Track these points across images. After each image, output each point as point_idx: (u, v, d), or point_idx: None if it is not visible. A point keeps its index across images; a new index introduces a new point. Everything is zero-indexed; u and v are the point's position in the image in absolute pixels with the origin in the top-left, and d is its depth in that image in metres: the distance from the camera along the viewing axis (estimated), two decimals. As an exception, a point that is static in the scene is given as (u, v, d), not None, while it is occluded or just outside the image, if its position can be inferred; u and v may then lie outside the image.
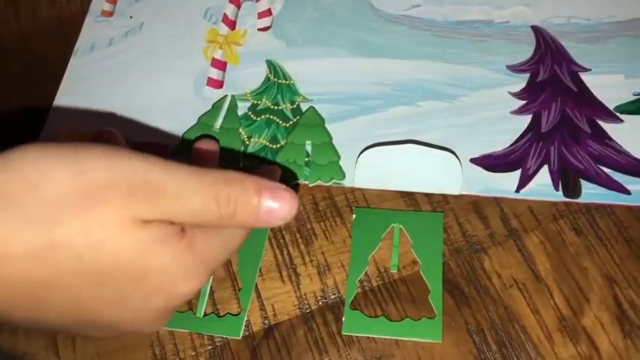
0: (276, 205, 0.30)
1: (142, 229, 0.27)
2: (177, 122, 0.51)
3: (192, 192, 0.28)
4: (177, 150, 0.49)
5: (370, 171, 0.47)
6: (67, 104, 0.52)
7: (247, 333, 0.42)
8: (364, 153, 0.47)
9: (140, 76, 0.54)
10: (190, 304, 0.43)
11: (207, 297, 0.43)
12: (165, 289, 0.29)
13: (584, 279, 0.42)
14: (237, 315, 0.42)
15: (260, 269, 0.44)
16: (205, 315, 0.42)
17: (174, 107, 0.52)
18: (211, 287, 0.44)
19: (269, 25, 0.56)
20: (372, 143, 0.48)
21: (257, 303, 0.43)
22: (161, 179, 0.28)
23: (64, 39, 0.58)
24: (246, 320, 0.42)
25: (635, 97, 0.49)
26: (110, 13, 0.58)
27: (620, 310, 0.41)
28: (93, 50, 0.56)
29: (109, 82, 0.54)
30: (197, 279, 0.30)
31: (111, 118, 0.51)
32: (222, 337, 0.42)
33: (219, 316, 0.42)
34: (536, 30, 0.54)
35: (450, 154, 0.46)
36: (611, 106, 0.49)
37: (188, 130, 0.50)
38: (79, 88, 0.53)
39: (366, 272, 0.43)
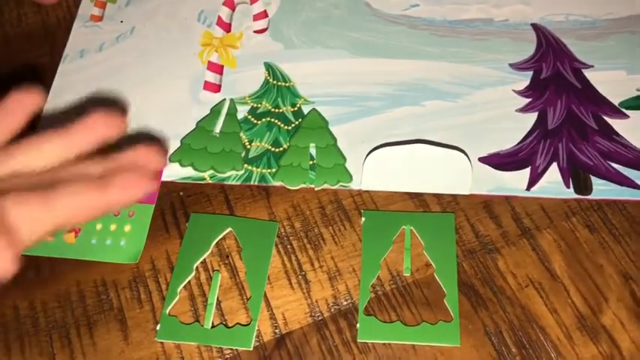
0: None
1: None
2: (174, 127, 0.49)
3: None
4: (174, 157, 0.47)
5: (378, 172, 0.45)
6: (58, 112, 0.50)
7: (258, 343, 0.40)
8: (371, 154, 0.46)
9: (134, 81, 0.52)
10: (197, 315, 0.41)
11: (214, 307, 0.41)
12: None
13: (600, 276, 0.42)
14: (247, 325, 0.41)
15: (268, 277, 0.43)
16: (213, 326, 0.41)
17: (171, 112, 0.50)
18: (218, 297, 0.42)
19: (265, 27, 0.55)
20: (377, 144, 0.47)
21: (266, 312, 0.41)
22: None
23: (50, 45, 0.55)
24: (256, 330, 0.41)
25: (639, 93, 0.49)
26: (99, 18, 0.56)
27: (638, 307, 0.40)
28: (83, 56, 0.54)
29: (101, 88, 0.52)
30: None
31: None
32: (231, 349, 0.40)
33: (228, 327, 0.41)
34: (537, 28, 0.53)
35: (460, 154, 0.45)
36: (615, 102, 0.48)
37: (187, 135, 0.48)
38: (69, 96, 0.51)
39: (378, 276, 0.42)
